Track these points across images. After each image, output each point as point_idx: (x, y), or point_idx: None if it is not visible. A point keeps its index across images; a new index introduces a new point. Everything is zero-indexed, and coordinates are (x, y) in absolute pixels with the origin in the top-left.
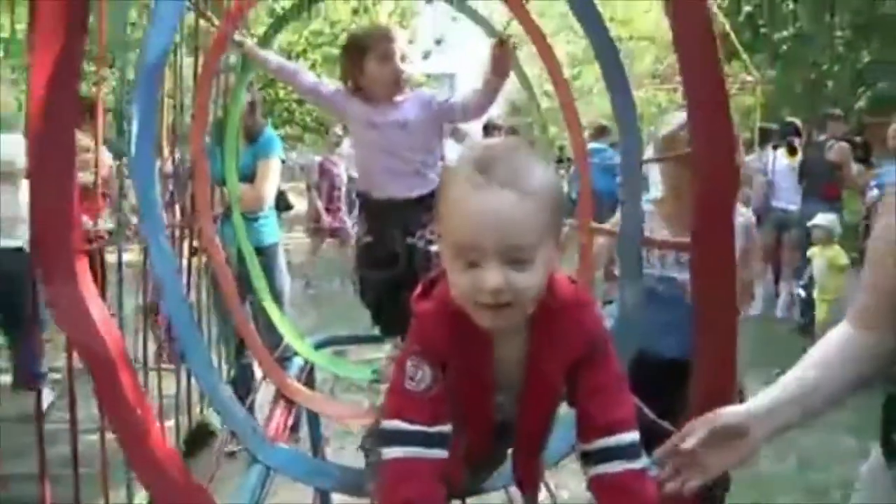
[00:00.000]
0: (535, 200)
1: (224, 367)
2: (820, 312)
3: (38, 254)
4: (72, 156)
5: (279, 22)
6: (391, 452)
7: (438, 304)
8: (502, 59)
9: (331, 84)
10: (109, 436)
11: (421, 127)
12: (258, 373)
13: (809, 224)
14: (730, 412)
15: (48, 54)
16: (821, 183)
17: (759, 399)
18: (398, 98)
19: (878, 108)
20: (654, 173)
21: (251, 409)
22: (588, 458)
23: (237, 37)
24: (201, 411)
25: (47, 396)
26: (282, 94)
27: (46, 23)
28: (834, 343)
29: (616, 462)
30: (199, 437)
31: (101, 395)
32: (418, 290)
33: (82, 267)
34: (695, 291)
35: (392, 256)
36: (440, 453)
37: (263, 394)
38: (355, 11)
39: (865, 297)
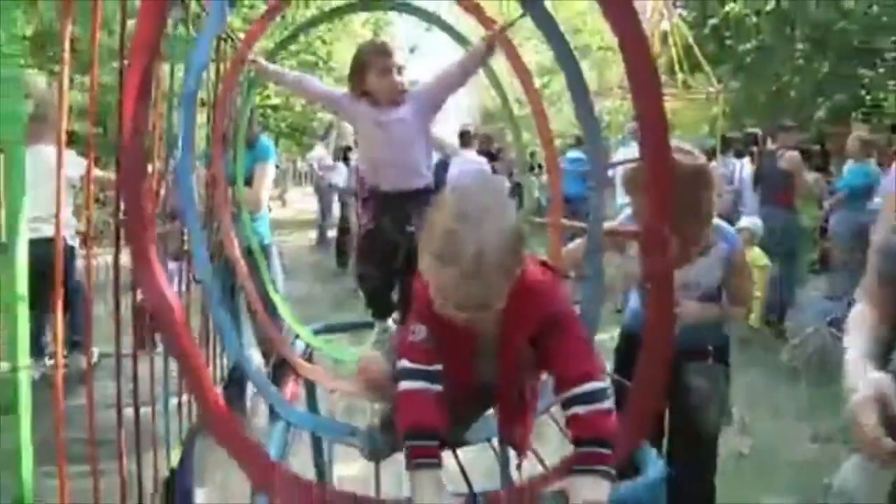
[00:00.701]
0: (499, 253)
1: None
2: None
3: (127, 237)
4: (145, 161)
5: (292, 37)
6: (402, 385)
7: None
8: (488, 51)
9: (337, 90)
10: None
11: (416, 121)
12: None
13: (735, 227)
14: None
15: (135, 75)
16: (776, 190)
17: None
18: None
19: (836, 118)
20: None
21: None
22: (565, 405)
23: (252, 57)
24: None
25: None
26: (257, 99)
27: (139, 47)
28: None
29: (585, 405)
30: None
31: (169, 344)
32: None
33: (154, 249)
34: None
35: (392, 244)
36: (437, 387)
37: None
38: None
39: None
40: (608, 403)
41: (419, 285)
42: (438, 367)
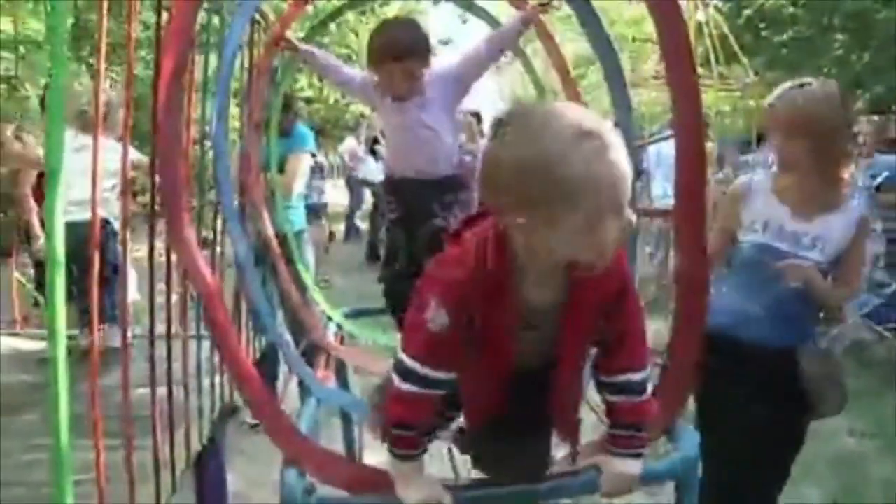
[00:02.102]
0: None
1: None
2: None
3: (165, 216)
4: (181, 138)
5: (322, 24)
6: (399, 384)
7: (466, 250)
8: (524, 26)
9: (364, 75)
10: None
11: (440, 105)
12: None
13: None
14: None
15: (170, 59)
16: None
17: None
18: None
19: (875, 111)
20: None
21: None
22: (606, 388)
23: (289, 35)
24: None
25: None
26: (289, 91)
27: (174, 33)
28: None
29: (632, 395)
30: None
31: (205, 309)
32: (453, 230)
33: (190, 229)
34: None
35: (417, 235)
36: (438, 393)
37: None
38: (362, 12)
39: None
40: (647, 395)
41: (452, 249)
42: (447, 374)
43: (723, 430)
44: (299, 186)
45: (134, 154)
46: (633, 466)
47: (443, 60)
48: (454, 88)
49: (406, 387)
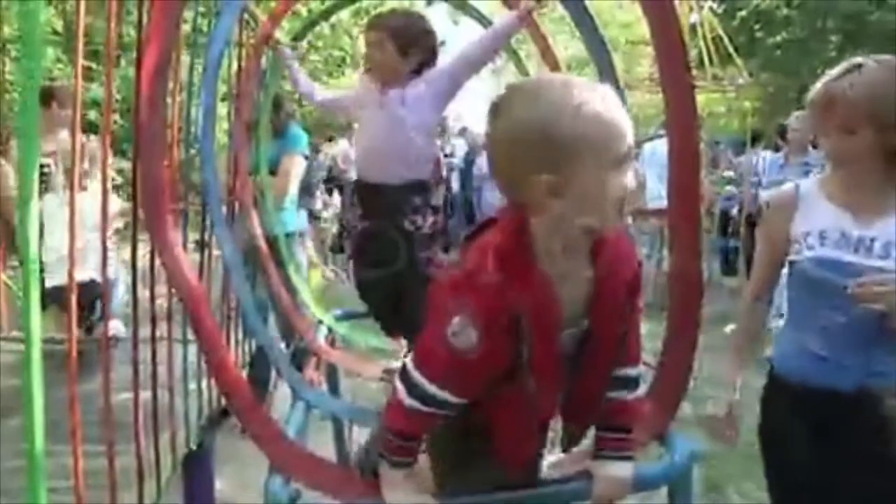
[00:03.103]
0: None
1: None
2: None
3: (147, 220)
4: (164, 137)
5: (313, 23)
6: (409, 401)
7: (484, 254)
8: (520, 23)
9: (339, 92)
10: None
11: (425, 105)
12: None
13: None
14: None
15: (152, 56)
16: None
17: None
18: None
19: None
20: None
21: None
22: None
23: (278, 38)
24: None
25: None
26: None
27: (156, 27)
28: None
29: (625, 391)
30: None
31: (190, 315)
32: (468, 235)
33: (172, 223)
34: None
35: (388, 244)
36: (439, 412)
37: None
38: (356, 13)
39: None
40: (639, 392)
41: (478, 258)
42: (462, 400)
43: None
44: (292, 188)
45: (117, 203)
46: (623, 470)
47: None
48: (445, 87)
49: (410, 402)
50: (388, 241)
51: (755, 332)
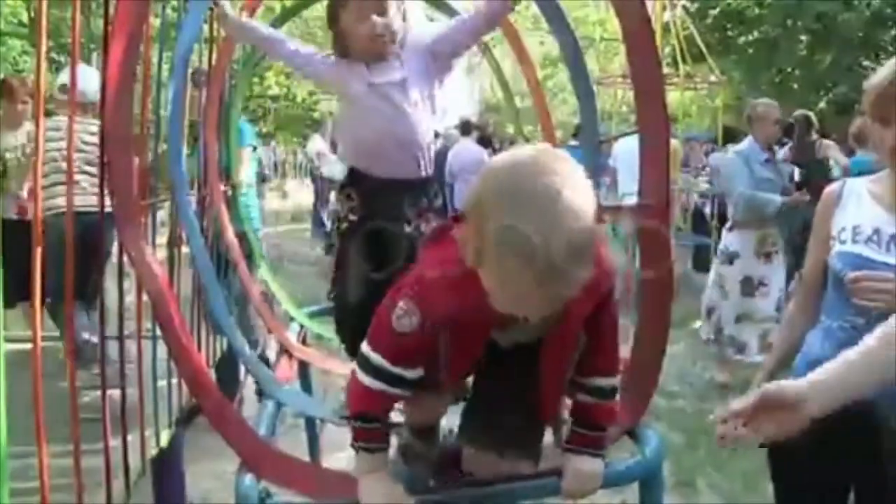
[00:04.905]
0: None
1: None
2: None
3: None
4: (131, 132)
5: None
6: (366, 380)
7: (447, 266)
8: None
9: (317, 52)
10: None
11: (421, 83)
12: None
13: None
14: (790, 385)
15: (118, 50)
16: (819, 180)
17: (819, 374)
18: (395, 53)
19: (838, 110)
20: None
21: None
22: (575, 387)
23: (223, 2)
24: None
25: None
26: (256, 90)
27: (120, 24)
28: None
29: (599, 399)
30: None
31: (160, 325)
32: (430, 237)
33: (140, 220)
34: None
35: (382, 248)
36: (400, 391)
37: None
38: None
39: None
40: (615, 401)
41: (430, 260)
42: (411, 372)
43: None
44: (243, 175)
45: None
46: (594, 464)
47: (418, 33)
48: (438, 61)
49: (376, 384)
50: (382, 246)
51: (788, 354)
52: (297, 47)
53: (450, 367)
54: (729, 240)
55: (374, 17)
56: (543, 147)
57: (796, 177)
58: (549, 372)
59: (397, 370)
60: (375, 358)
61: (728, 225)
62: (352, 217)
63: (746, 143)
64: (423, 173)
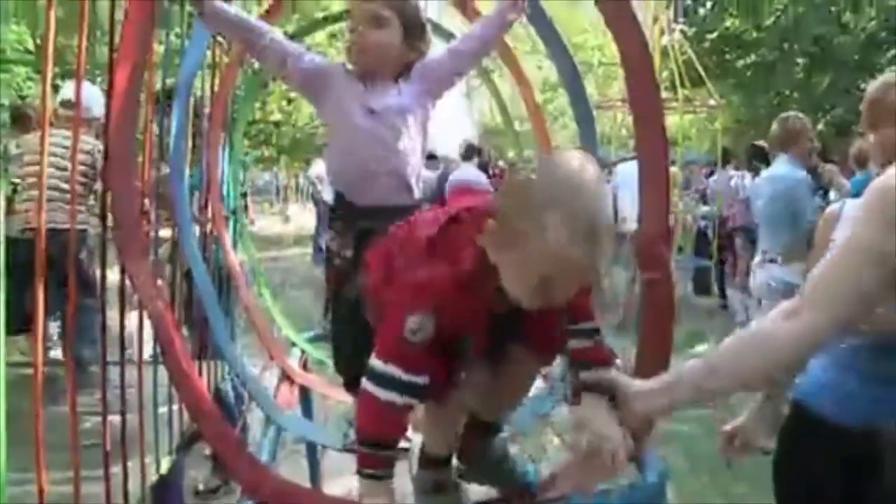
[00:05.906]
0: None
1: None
2: None
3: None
4: (135, 156)
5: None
6: (379, 393)
7: (455, 272)
8: (516, 8)
9: (316, 56)
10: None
11: (418, 108)
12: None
13: None
14: (623, 381)
15: (124, 75)
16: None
17: (656, 379)
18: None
19: (836, 132)
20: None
21: None
22: (572, 334)
23: None
24: None
25: None
26: (258, 115)
27: (125, 52)
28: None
29: (586, 340)
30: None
31: (159, 339)
32: (427, 238)
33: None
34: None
35: None
36: (413, 401)
37: None
38: (332, 35)
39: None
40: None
41: (437, 269)
42: (423, 379)
43: None
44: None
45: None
46: (596, 405)
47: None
48: (435, 85)
49: (389, 395)
50: None
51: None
52: (282, 39)
53: (455, 365)
54: (785, 273)
55: (352, 30)
56: (567, 149)
57: None
58: (541, 336)
59: (409, 377)
60: (389, 369)
61: (776, 258)
62: (344, 253)
63: (785, 163)
64: (412, 200)
